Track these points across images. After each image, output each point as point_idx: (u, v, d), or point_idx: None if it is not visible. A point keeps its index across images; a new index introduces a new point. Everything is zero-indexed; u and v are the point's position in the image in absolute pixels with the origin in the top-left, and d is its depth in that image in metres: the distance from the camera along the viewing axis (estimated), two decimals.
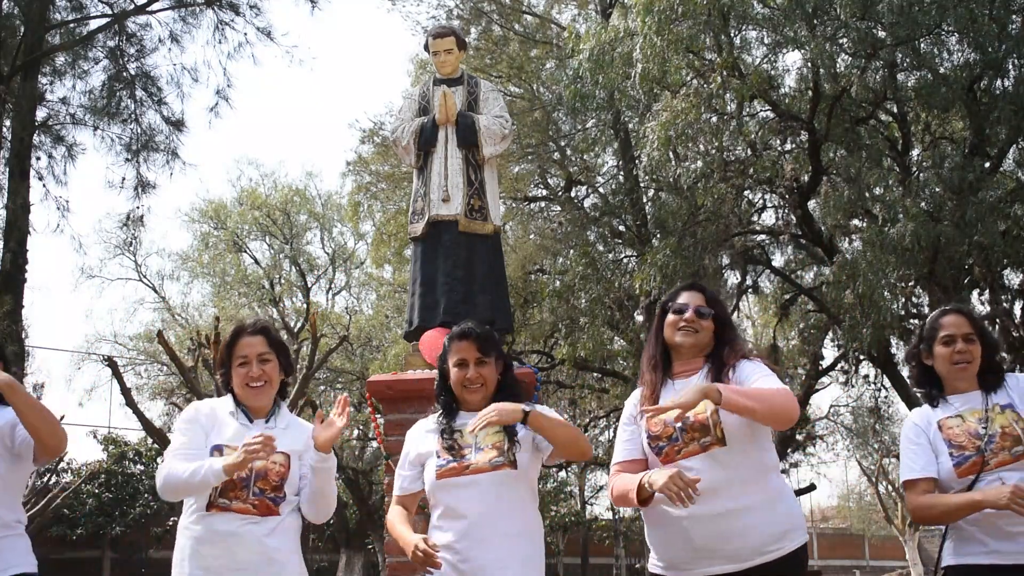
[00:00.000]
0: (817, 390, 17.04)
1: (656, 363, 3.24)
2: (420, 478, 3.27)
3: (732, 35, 10.46)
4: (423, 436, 3.31)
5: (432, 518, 3.25)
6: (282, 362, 3.43)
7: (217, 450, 3.24)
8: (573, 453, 3.23)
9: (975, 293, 11.51)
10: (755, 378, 3.05)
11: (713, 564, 2.94)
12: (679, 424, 3.03)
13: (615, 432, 19.26)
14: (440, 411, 3.32)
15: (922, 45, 10.14)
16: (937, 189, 10.01)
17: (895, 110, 11.43)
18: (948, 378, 3.34)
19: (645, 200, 14.27)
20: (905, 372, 12.38)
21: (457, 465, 3.15)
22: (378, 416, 5.56)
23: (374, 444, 20.78)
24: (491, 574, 3.05)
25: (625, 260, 14.31)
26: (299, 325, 22.38)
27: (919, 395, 3.52)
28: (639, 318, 13.98)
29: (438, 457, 3.19)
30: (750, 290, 15.07)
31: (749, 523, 2.93)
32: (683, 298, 3.24)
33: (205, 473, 3.12)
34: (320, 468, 3.25)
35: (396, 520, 3.27)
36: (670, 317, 3.22)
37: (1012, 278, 11.82)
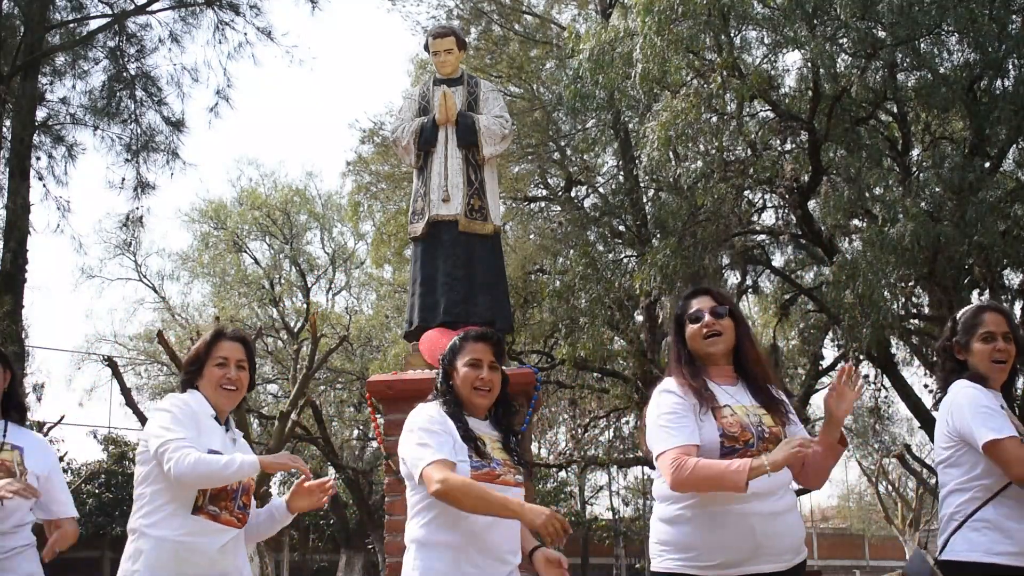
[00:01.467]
0: (817, 390, 17.01)
1: (694, 371, 3.14)
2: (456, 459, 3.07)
3: (732, 35, 10.46)
4: (448, 423, 3.13)
5: (439, 515, 3.06)
6: (251, 377, 3.46)
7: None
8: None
9: (975, 293, 11.50)
10: (798, 431, 3.15)
11: (764, 562, 2.95)
12: (762, 435, 3.00)
13: (615, 432, 19.24)
14: (444, 406, 3.17)
15: (922, 45, 10.14)
16: (937, 189, 10.01)
17: (895, 110, 11.42)
18: (987, 375, 3.31)
19: (645, 200, 14.27)
20: (906, 372, 12.43)
21: (489, 472, 3.06)
22: (378, 416, 5.56)
23: (374, 444, 20.79)
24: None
25: (625, 260, 14.30)
26: (299, 325, 22.39)
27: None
28: (639, 318, 13.99)
29: (471, 458, 3.05)
30: (750, 290, 15.07)
31: (792, 522, 3.02)
32: (695, 306, 3.19)
33: (241, 465, 3.11)
34: (282, 523, 3.42)
35: (477, 486, 2.96)
36: (690, 329, 3.17)
37: (1012, 278, 11.82)
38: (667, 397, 3.06)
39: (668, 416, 3.01)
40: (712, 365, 3.15)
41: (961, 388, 3.28)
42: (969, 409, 3.19)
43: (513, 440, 3.22)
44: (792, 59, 25.29)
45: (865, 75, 10.31)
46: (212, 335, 3.44)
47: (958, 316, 3.46)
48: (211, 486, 3.16)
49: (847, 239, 12.10)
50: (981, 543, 3.11)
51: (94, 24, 14.33)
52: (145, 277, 24.26)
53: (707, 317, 3.14)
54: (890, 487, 25.47)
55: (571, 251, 14.20)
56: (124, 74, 14.25)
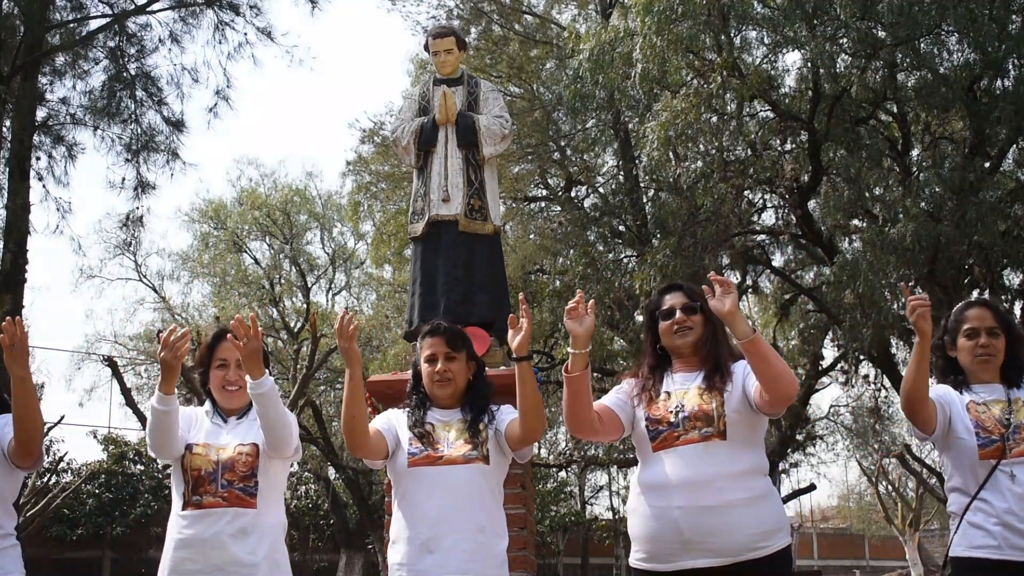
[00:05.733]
0: (817, 390, 17.04)
1: (655, 364, 3.29)
2: (386, 437, 3.29)
3: (732, 35, 10.46)
4: (399, 419, 3.36)
5: (396, 505, 3.28)
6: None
7: (188, 449, 3.28)
8: (532, 425, 3.20)
9: (975, 293, 11.51)
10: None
11: (699, 557, 2.95)
12: (682, 413, 3.07)
13: None
14: (409, 403, 3.39)
15: (922, 45, 10.14)
16: (937, 189, 10.00)
17: (895, 110, 11.42)
18: (971, 370, 3.36)
19: (645, 200, 14.27)
20: (905, 372, 12.37)
21: (431, 454, 3.20)
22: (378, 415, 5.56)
23: None
24: (457, 565, 3.08)
25: (625, 260, 14.29)
26: (299, 325, 22.39)
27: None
28: (639, 318, 13.98)
29: (410, 445, 3.24)
30: (750, 290, 15.07)
31: (737, 519, 2.95)
32: (667, 302, 3.28)
33: (151, 406, 3.16)
34: (255, 395, 3.18)
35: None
36: (662, 325, 3.27)
37: (1012, 278, 11.82)
38: (620, 386, 3.32)
39: (609, 394, 3.30)
40: (679, 358, 3.25)
41: (934, 387, 3.39)
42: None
43: (485, 417, 3.30)
44: (792, 59, 25.31)
45: (865, 75, 10.31)
46: (212, 337, 3.47)
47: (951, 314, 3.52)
48: (158, 432, 3.19)
49: (847, 239, 12.10)
50: (969, 537, 3.18)
51: (94, 24, 14.31)
52: (145, 277, 24.27)
53: (678, 314, 3.23)
54: (890, 487, 25.46)
55: (571, 251, 14.20)
56: (124, 74, 14.22)
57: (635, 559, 3.13)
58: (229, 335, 3.24)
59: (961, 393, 3.34)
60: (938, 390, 3.33)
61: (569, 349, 3.04)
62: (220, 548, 3.15)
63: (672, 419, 3.08)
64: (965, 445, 3.22)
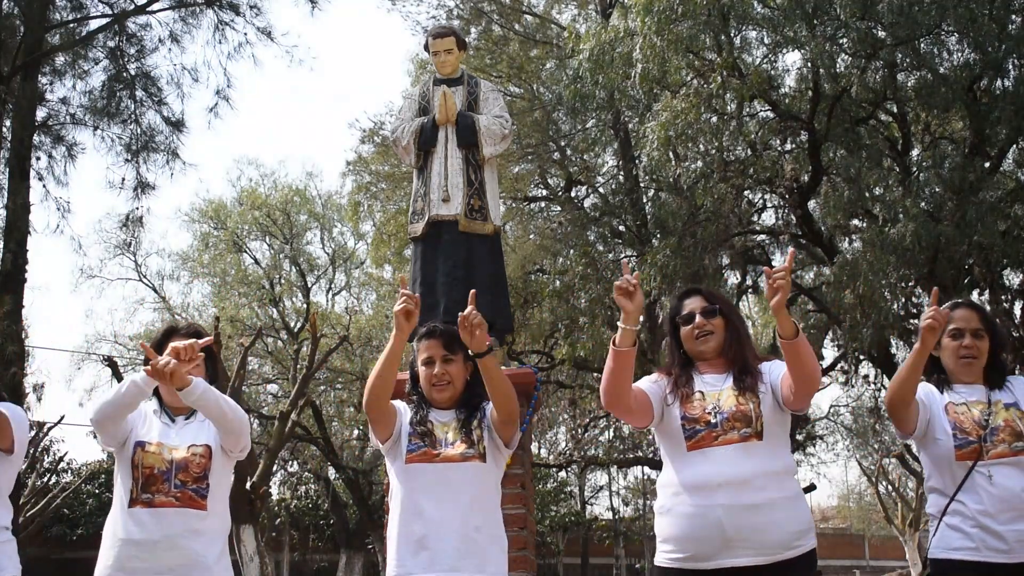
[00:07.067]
0: (817, 390, 17.01)
1: (683, 366, 3.29)
2: (396, 417, 3.30)
3: (732, 35, 10.46)
4: (405, 412, 3.36)
5: (393, 503, 3.28)
6: (208, 366, 3.34)
7: (140, 447, 3.22)
8: (508, 408, 3.22)
9: (975, 293, 11.51)
10: (781, 369, 3.15)
11: (739, 555, 2.96)
12: (721, 414, 3.08)
13: (615, 432, 19.23)
14: (411, 405, 3.39)
15: (922, 45, 10.14)
16: (937, 189, 10.01)
17: (895, 110, 11.42)
18: (954, 371, 3.37)
19: (645, 200, 14.27)
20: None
21: (429, 451, 3.21)
22: None
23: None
24: (450, 564, 3.08)
25: (625, 260, 14.30)
26: (299, 325, 22.38)
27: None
28: (639, 318, 13.98)
29: (410, 441, 3.24)
30: (750, 290, 15.07)
31: (777, 517, 2.99)
32: (687, 307, 3.30)
33: (130, 380, 3.09)
34: (192, 403, 3.12)
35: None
36: (684, 330, 3.28)
37: (1012, 278, 11.82)
38: (649, 377, 3.31)
39: (642, 382, 3.27)
40: (703, 361, 3.25)
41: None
42: None
43: (478, 415, 3.31)
44: (792, 59, 25.32)
45: (865, 75, 10.31)
46: (162, 334, 3.38)
47: None
48: (119, 412, 3.13)
49: (847, 239, 12.10)
50: (947, 539, 3.19)
51: (94, 24, 14.32)
52: (145, 277, 24.27)
53: (698, 318, 3.25)
54: (890, 487, 25.44)
55: (571, 251, 14.20)
56: (124, 74, 14.23)
57: (669, 558, 3.09)
58: (153, 363, 3.06)
59: (942, 393, 3.36)
60: (924, 388, 3.34)
61: (621, 324, 3.06)
62: (173, 549, 3.11)
63: (711, 419, 3.08)
64: (942, 446, 3.23)
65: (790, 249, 3.04)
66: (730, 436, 3.05)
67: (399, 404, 3.37)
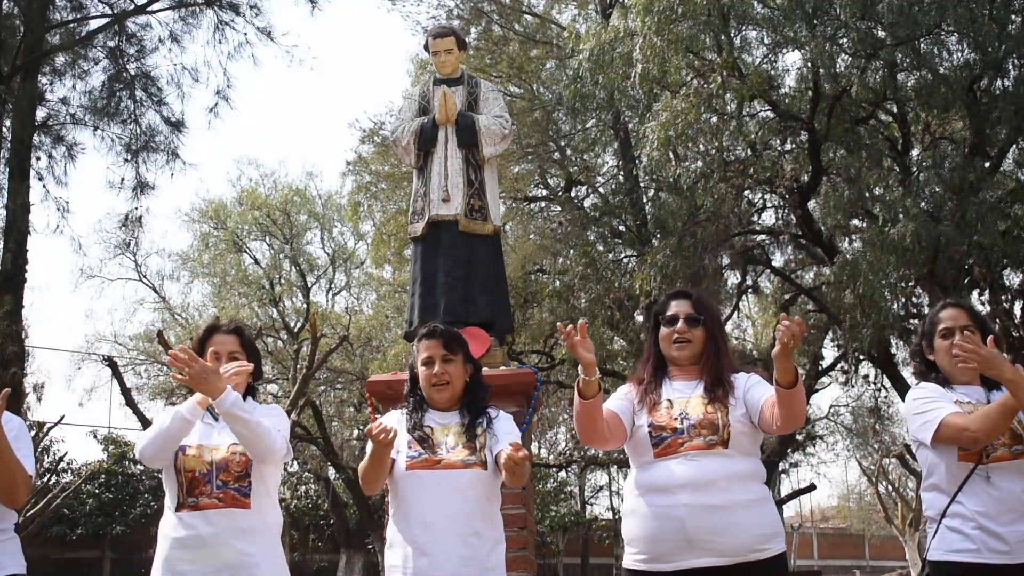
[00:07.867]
0: (817, 390, 17.04)
1: (655, 368, 3.29)
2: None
3: (732, 35, 10.45)
4: (398, 422, 3.33)
5: (393, 509, 3.27)
6: (254, 363, 3.42)
7: (181, 451, 3.24)
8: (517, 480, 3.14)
9: (975, 293, 11.51)
10: (762, 390, 3.13)
11: (702, 556, 2.96)
12: (688, 421, 3.08)
13: None
14: (407, 406, 3.37)
15: (922, 45, 10.13)
16: (937, 189, 10.01)
17: (895, 110, 11.42)
18: (950, 371, 3.34)
19: (645, 200, 14.27)
20: (906, 372, 12.45)
21: (429, 458, 3.19)
22: (378, 416, 5.56)
23: None
24: (450, 570, 3.07)
25: (625, 260, 14.30)
26: (299, 325, 22.38)
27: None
28: (639, 318, 13.98)
29: (409, 448, 3.22)
30: (750, 290, 15.08)
31: (740, 519, 2.98)
32: (672, 308, 3.29)
33: (178, 410, 3.12)
34: (224, 415, 3.11)
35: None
36: (663, 331, 3.27)
37: (1012, 278, 11.81)
38: (621, 390, 3.31)
39: (612, 397, 3.28)
40: (675, 366, 3.26)
41: (909, 394, 3.38)
42: (908, 416, 3.32)
43: (483, 420, 3.28)
44: (792, 59, 25.29)
45: (865, 75, 10.30)
46: (204, 330, 3.44)
47: (926, 318, 3.53)
48: (170, 443, 3.17)
49: (847, 239, 12.10)
50: (947, 541, 3.16)
51: (94, 24, 14.32)
52: (145, 277, 24.23)
53: (680, 324, 3.23)
54: (890, 487, 25.43)
55: (571, 251, 14.19)
56: (124, 74, 14.22)
57: (633, 560, 3.11)
58: (171, 356, 3.08)
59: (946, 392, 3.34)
60: (935, 391, 3.29)
61: (583, 376, 3.00)
62: (220, 548, 3.13)
63: (677, 426, 3.09)
64: (945, 447, 3.20)
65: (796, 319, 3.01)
66: (695, 443, 3.05)
67: (393, 434, 3.17)
